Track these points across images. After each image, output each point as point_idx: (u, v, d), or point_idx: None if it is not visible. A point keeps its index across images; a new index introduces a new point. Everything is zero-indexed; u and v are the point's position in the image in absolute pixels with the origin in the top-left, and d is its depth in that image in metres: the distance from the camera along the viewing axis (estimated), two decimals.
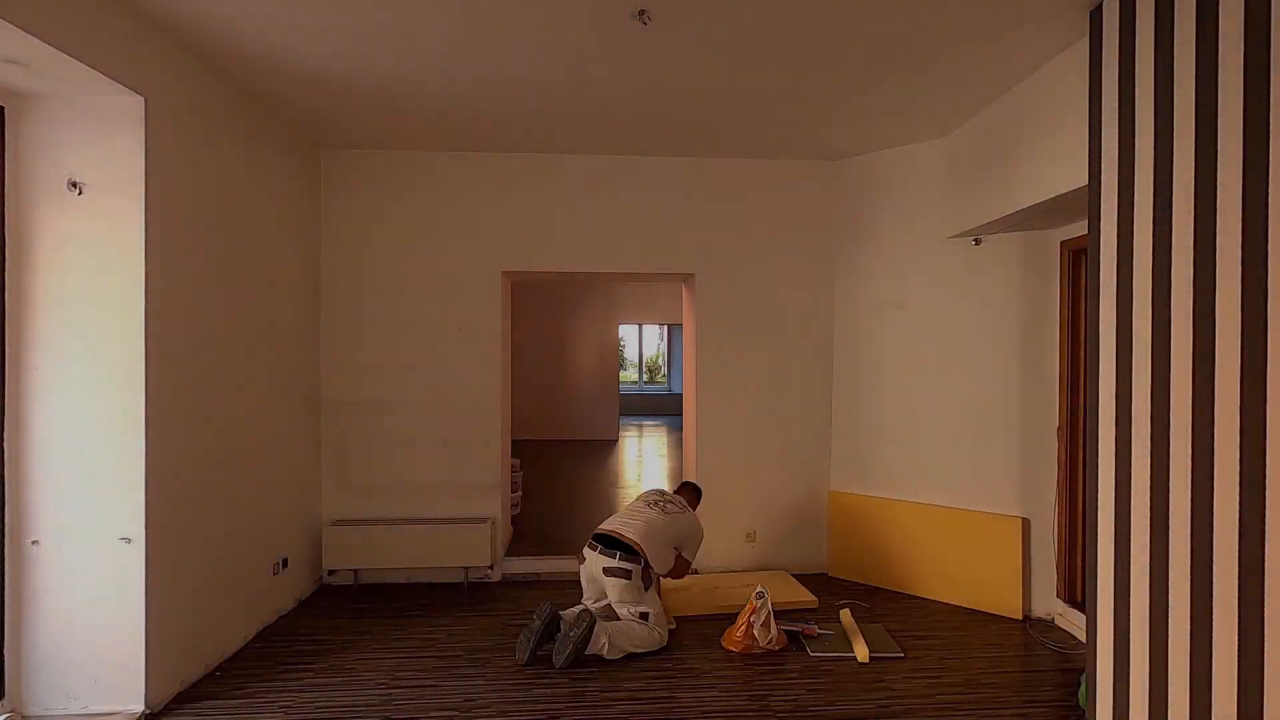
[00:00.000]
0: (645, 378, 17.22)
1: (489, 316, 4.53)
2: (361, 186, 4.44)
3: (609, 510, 6.19)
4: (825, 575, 4.57)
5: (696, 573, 4.35)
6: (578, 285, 10.89)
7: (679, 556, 3.73)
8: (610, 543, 3.55)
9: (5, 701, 2.74)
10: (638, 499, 3.92)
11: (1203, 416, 2.12)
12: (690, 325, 4.95)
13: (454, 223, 4.49)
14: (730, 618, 3.70)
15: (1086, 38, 2.71)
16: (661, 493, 3.96)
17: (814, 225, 4.63)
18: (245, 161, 3.53)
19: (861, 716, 2.82)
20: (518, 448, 6.38)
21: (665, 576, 3.74)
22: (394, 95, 3.52)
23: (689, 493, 4.13)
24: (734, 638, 3.43)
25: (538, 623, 3.31)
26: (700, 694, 3.00)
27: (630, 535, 3.54)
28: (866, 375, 4.46)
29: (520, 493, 5.87)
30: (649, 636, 3.40)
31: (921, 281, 4.21)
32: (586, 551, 3.61)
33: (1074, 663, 3.31)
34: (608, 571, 3.49)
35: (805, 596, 4.05)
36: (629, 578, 3.47)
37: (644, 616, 3.44)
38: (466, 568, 4.33)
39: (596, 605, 3.58)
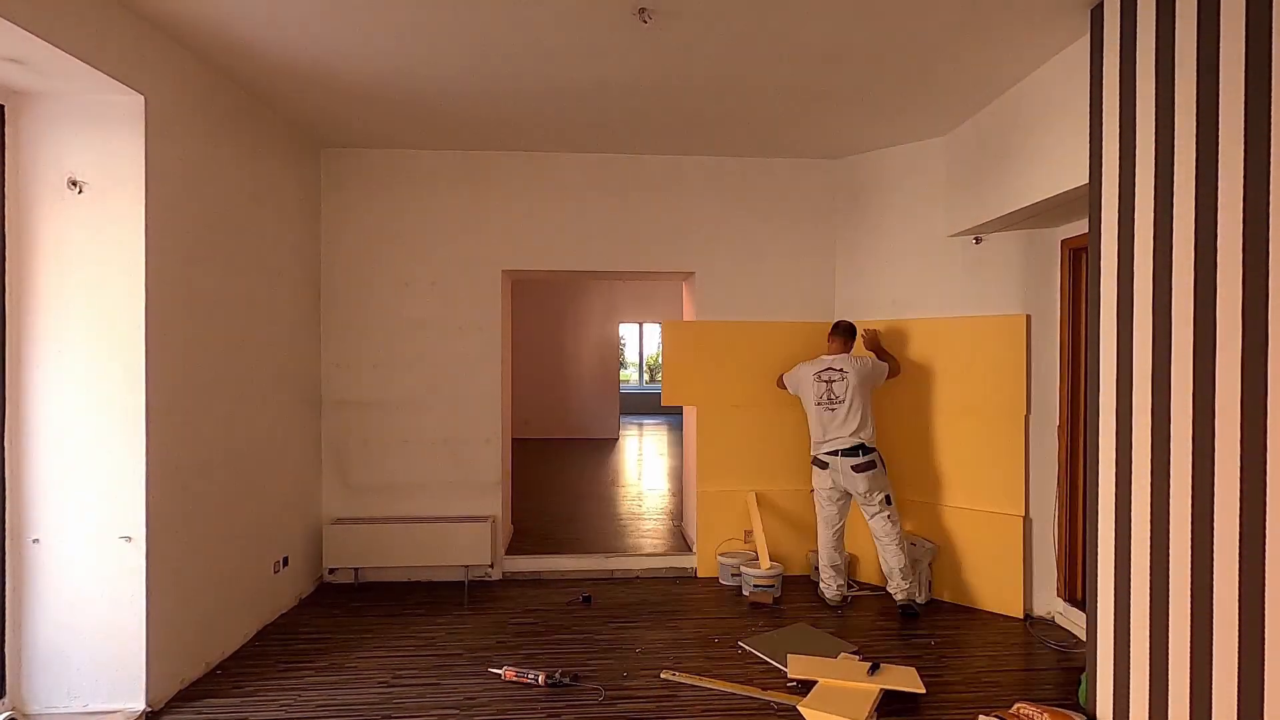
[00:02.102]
0: (645, 377, 17.21)
1: (489, 315, 4.53)
2: (361, 185, 4.44)
3: (609, 509, 6.21)
4: None
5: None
6: (578, 285, 10.89)
7: (886, 365, 4.08)
8: (844, 451, 3.90)
9: (6, 700, 2.75)
10: (817, 398, 4.01)
11: (1203, 415, 2.12)
12: None
13: (454, 222, 4.48)
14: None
15: (1087, 36, 2.71)
16: (828, 373, 4.01)
17: (814, 224, 4.63)
18: (245, 160, 3.53)
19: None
20: (518, 447, 6.37)
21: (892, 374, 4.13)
22: (394, 94, 3.52)
23: (842, 339, 4.12)
24: None
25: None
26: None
27: (859, 438, 3.89)
28: None
29: None
30: (899, 534, 3.86)
31: (922, 280, 4.21)
32: (826, 468, 3.96)
33: (1075, 661, 3.30)
34: (858, 469, 3.86)
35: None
36: (877, 464, 3.90)
37: (888, 500, 3.89)
38: (467, 566, 4.33)
39: (835, 534, 4.03)
